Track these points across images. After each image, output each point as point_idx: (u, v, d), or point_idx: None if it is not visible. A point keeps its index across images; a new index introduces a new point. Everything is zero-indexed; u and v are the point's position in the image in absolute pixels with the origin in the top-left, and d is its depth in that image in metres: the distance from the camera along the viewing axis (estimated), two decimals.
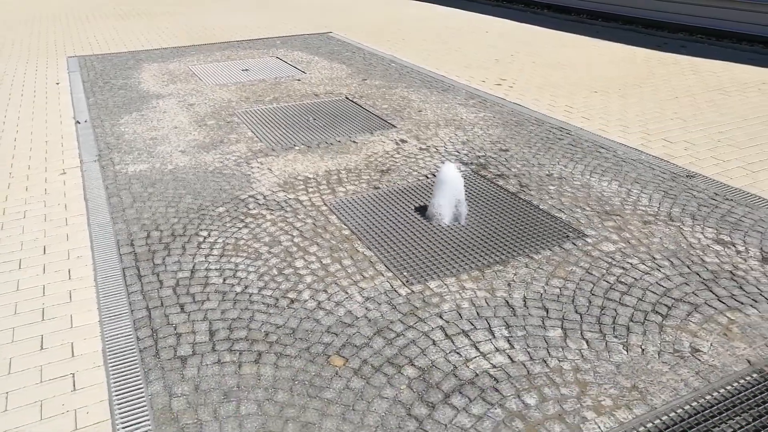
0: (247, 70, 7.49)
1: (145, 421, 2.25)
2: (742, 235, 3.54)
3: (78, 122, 5.59)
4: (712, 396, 2.35)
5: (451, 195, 3.59)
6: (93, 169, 4.56)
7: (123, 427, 2.22)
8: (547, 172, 4.41)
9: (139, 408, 2.31)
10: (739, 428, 2.19)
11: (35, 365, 2.56)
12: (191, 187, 4.22)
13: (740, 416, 2.24)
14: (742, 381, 2.42)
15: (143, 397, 2.37)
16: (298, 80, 6.99)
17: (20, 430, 2.22)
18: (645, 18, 9.76)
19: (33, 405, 2.35)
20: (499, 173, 4.41)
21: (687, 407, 2.29)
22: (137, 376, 2.47)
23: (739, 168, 4.47)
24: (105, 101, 6.23)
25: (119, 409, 2.31)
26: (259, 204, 3.96)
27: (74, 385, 2.44)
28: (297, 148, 4.93)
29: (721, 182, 4.24)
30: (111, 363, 2.55)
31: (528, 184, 4.23)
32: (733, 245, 3.43)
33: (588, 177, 4.33)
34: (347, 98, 6.27)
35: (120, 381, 2.45)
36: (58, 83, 6.96)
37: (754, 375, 2.45)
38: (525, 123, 5.48)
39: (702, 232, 3.57)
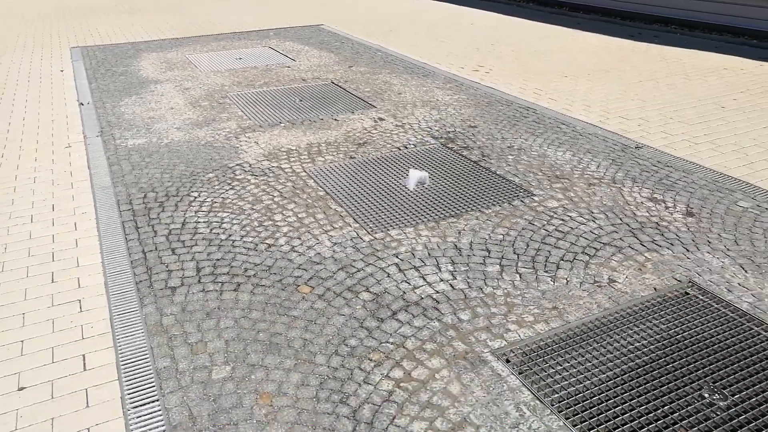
0: (240, 58, 7.92)
1: (139, 332, 2.69)
2: (674, 194, 3.97)
3: (81, 104, 6.03)
4: (619, 313, 2.78)
5: (415, 170, 4.02)
6: (95, 143, 5.00)
7: (121, 337, 2.66)
8: (509, 145, 4.84)
9: (134, 324, 2.75)
10: (636, 334, 2.62)
11: (47, 293, 3.00)
12: (184, 157, 4.66)
13: (638, 326, 2.68)
14: (645, 302, 2.85)
15: (138, 316, 2.81)
16: (288, 67, 7.42)
17: (35, 340, 2.66)
18: (622, 10, 10.18)
19: (46, 322, 2.79)
20: (465, 146, 4.84)
21: (596, 322, 2.73)
22: (133, 301, 2.91)
23: (684, 141, 4.90)
24: (106, 86, 6.67)
25: (118, 324, 2.75)
26: (245, 171, 4.40)
27: (80, 307, 2.89)
28: (282, 124, 5.37)
29: (666, 152, 4.66)
30: (112, 292, 2.99)
31: (489, 154, 4.66)
32: (664, 202, 3.86)
33: (545, 148, 4.76)
34: (333, 83, 6.71)
35: (119, 305, 2.89)
36: (62, 71, 7.40)
37: (657, 298, 2.89)
38: (495, 104, 5.91)
39: (639, 192, 4.00)
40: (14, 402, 2.33)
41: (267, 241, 3.44)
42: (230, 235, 3.51)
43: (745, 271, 3.11)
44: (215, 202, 3.91)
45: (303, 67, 7.40)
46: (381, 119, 5.50)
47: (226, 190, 4.08)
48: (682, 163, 4.46)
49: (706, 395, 2.28)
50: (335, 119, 5.51)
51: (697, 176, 4.24)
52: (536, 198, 3.92)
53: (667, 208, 3.79)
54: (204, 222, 3.67)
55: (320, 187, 4.11)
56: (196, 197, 3.99)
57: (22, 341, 2.66)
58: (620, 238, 3.43)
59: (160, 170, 4.43)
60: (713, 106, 5.74)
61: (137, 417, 2.23)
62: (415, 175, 4.04)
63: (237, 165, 4.50)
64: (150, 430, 2.17)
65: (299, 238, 3.47)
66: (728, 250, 3.31)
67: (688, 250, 3.31)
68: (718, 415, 2.20)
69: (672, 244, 3.37)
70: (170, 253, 3.34)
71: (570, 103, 5.89)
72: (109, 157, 4.68)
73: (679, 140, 4.91)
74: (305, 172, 4.36)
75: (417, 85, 6.57)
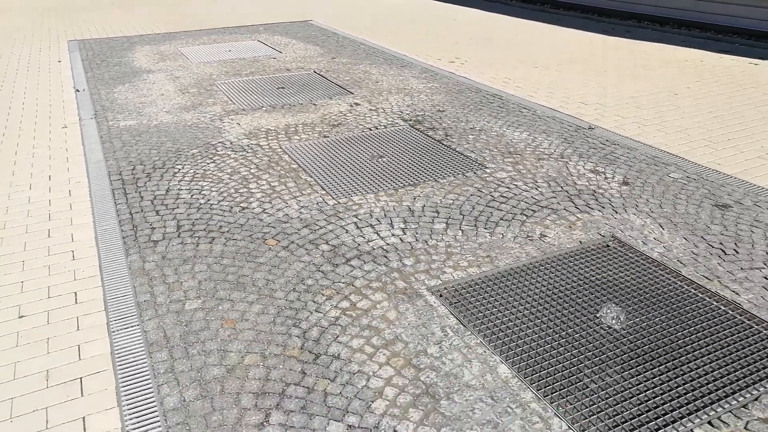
0: (230, 50, 8.32)
1: (124, 275, 3.09)
2: (614, 167, 4.38)
3: (77, 90, 6.43)
4: (544, 260, 3.19)
5: None
6: (90, 124, 5.40)
7: (108, 278, 3.06)
8: (471, 126, 5.25)
9: (120, 269, 3.15)
10: (555, 276, 3.03)
11: (44, 246, 3.40)
12: (171, 136, 5.06)
13: (559, 270, 3.08)
14: (569, 252, 3.25)
15: (124, 263, 3.21)
16: (274, 58, 7.82)
17: (33, 281, 3.06)
18: (599, 7, 10.59)
19: (43, 267, 3.18)
20: (431, 127, 5.24)
21: (523, 267, 3.13)
22: (120, 252, 3.31)
23: (634, 123, 5.30)
24: (101, 75, 7.07)
25: (106, 269, 3.15)
26: (226, 147, 4.80)
27: (73, 257, 3.28)
28: (264, 108, 5.78)
29: (616, 132, 5.07)
30: (101, 244, 3.39)
31: (452, 134, 5.06)
32: (604, 174, 4.27)
33: (504, 129, 5.16)
34: (315, 72, 7.11)
35: (107, 254, 3.29)
36: (59, 61, 7.79)
37: (581, 249, 3.29)
38: (465, 91, 6.31)
39: (583, 166, 4.41)
40: (15, 326, 2.72)
41: (241, 205, 3.84)
42: (209, 200, 3.91)
43: (662, 228, 3.51)
44: (197, 173, 4.31)
45: (288, 59, 7.80)
46: (357, 104, 5.90)
47: (208, 164, 4.48)
48: (628, 141, 4.86)
49: (606, 322, 2.68)
50: (314, 104, 5.91)
51: (639, 152, 4.64)
52: (488, 170, 4.33)
53: (605, 178, 4.20)
54: (186, 189, 4.07)
55: (293, 161, 4.51)
56: (180, 169, 4.39)
57: (22, 282, 3.06)
58: (557, 203, 3.84)
59: (149, 147, 4.82)
60: (667, 93, 6.14)
61: (120, 338, 2.63)
62: None
63: (219, 143, 4.90)
64: (130, 347, 2.57)
65: (270, 203, 3.87)
66: (652, 212, 3.72)
67: (616, 212, 3.71)
68: (613, 336, 2.60)
69: (603, 207, 3.77)
70: (154, 214, 3.74)
71: (535, 90, 6.29)
72: (102, 136, 5.08)
73: (630, 122, 5.31)
74: (281, 148, 4.77)
75: (394, 75, 6.97)
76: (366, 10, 11.59)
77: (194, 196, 3.96)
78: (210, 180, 4.20)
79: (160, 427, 2.16)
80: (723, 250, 3.28)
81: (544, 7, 11.57)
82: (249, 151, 4.72)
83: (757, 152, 4.60)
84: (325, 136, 5.03)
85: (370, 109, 5.73)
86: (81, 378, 2.41)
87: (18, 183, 4.21)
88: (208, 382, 2.37)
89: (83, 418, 2.22)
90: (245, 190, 4.05)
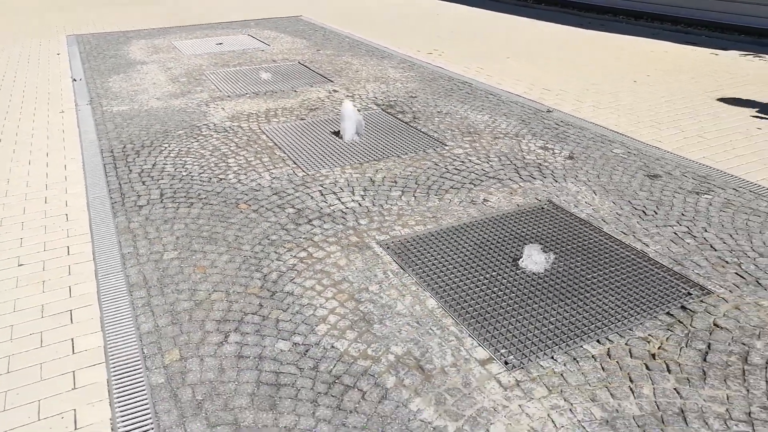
0: (220, 44, 8.74)
1: (111, 233, 3.51)
2: (563, 144, 4.78)
3: (74, 80, 6.85)
4: (483, 220, 3.60)
5: (351, 122, 4.83)
6: (85, 109, 5.82)
7: (97, 236, 3.48)
8: (439, 110, 5.66)
9: (108, 228, 3.57)
10: (490, 232, 3.43)
11: (41, 209, 3.81)
12: (160, 119, 5.47)
13: (495, 228, 3.49)
14: (507, 214, 3.66)
15: (111, 223, 3.62)
16: (262, 51, 8.23)
17: (31, 238, 3.47)
18: (579, 2, 10.98)
19: (40, 227, 3.60)
20: (401, 110, 5.65)
21: (463, 225, 3.54)
22: (108, 214, 3.73)
23: (591, 107, 5.70)
24: (98, 66, 7.48)
25: (95, 228, 3.56)
26: (210, 129, 5.21)
27: (67, 219, 3.70)
28: (247, 95, 6.19)
29: (572, 115, 5.47)
30: (92, 208, 3.81)
31: (420, 117, 5.47)
32: (552, 150, 4.67)
33: (468, 113, 5.57)
34: (299, 63, 7.52)
35: (97, 216, 3.70)
36: (58, 54, 8.22)
37: (518, 211, 3.70)
38: (438, 79, 6.72)
39: (534, 143, 4.81)
40: (15, 272, 3.14)
41: (219, 176, 4.25)
42: (190, 173, 4.32)
43: (595, 194, 3.92)
44: (181, 151, 4.73)
45: (275, 51, 8.22)
46: (335, 91, 6.31)
47: (192, 143, 4.90)
48: (581, 122, 5.27)
49: (530, 268, 3.09)
50: (295, 91, 6.32)
51: (589, 132, 5.05)
52: (447, 147, 4.74)
53: (553, 154, 4.61)
54: (171, 164, 4.48)
55: (270, 139, 4.93)
56: (166, 147, 4.81)
57: (21, 238, 3.48)
58: (504, 174, 4.25)
59: (139, 129, 5.24)
60: (628, 80, 6.54)
61: (105, 281, 3.04)
62: (350, 124, 4.84)
63: (203, 125, 5.31)
64: (114, 287, 2.99)
65: (245, 174, 4.28)
66: (588, 181, 4.12)
67: (556, 181, 4.12)
68: (533, 279, 3.01)
69: (545, 177, 4.18)
70: (141, 184, 4.16)
71: (503, 78, 6.70)
72: (96, 120, 5.50)
73: (587, 106, 5.71)
74: (260, 129, 5.18)
75: (374, 65, 7.38)
76: (355, 7, 11.99)
77: (177, 170, 4.38)
78: (193, 156, 4.62)
79: (136, 345, 2.58)
80: (644, 212, 3.69)
81: (527, 2, 11.97)
82: (230, 132, 5.13)
83: (696, 132, 5.00)
84: (301, 119, 5.44)
85: (347, 96, 6.13)
86: (71, 310, 2.83)
87: (18, 158, 4.63)
88: (179, 313, 2.79)
89: (72, 339, 2.64)
90: (224, 164, 4.46)
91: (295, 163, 4.45)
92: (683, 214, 3.65)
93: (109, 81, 6.80)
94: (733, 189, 3.97)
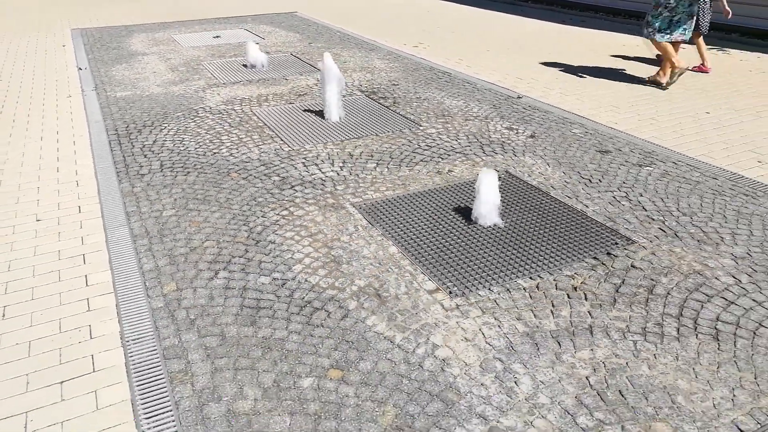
0: (218, 37, 9.21)
1: (117, 196, 3.97)
2: (527, 125, 5.25)
3: (80, 68, 7.32)
4: (445, 187, 4.06)
5: (333, 93, 5.30)
6: (91, 95, 6.29)
7: (104, 198, 3.95)
8: (418, 96, 6.13)
9: (114, 192, 4.03)
10: (451, 197, 3.91)
11: (54, 178, 4.28)
12: (160, 103, 5.94)
13: (455, 193, 3.96)
14: (467, 182, 4.13)
15: (117, 188, 4.09)
16: (257, 44, 8.69)
17: (46, 199, 3.94)
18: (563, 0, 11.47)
19: (54, 191, 4.07)
20: (383, 96, 6.12)
21: (427, 190, 4.01)
22: (114, 181, 4.19)
23: (559, 93, 6.17)
24: (101, 57, 7.95)
25: (103, 192, 4.03)
26: (206, 111, 5.68)
27: (77, 184, 4.17)
28: (241, 82, 6.66)
29: (540, 101, 5.94)
30: (99, 175, 4.27)
31: (400, 102, 5.94)
32: (516, 130, 5.14)
33: (445, 98, 6.04)
34: (292, 54, 7.99)
35: (104, 182, 4.17)
36: (64, 46, 8.68)
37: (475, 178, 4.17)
38: (420, 69, 7.19)
39: (501, 125, 5.28)
40: (34, 226, 3.61)
41: (213, 150, 4.72)
42: (187, 148, 4.79)
43: (548, 166, 4.39)
44: (179, 129, 5.19)
45: (270, 44, 8.68)
46: None
47: (189, 123, 5.36)
48: (547, 107, 5.74)
49: (482, 223, 3.55)
50: (286, 79, 6.80)
51: (553, 115, 5.52)
52: (421, 127, 5.21)
53: (517, 133, 5.08)
54: (170, 141, 4.95)
55: (260, 120, 5.40)
56: (165, 127, 5.27)
57: (37, 200, 3.95)
58: (470, 150, 4.72)
59: (140, 111, 5.71)
60: (597, 70, 7.02)
61: (113, 233, 3.51)
62: (336, 108, 5.30)
63: (200, 108, 5.78)
64: (120, 237, 3.45)
65: (237, 149, 4.75)
66: (545, 155, 4.59)
67: (515, 156, 4.59)
68: (484, 232, 3.47)
69: (506, 152, 4.65)
70: (143, 157, 4.63)
71: (481, 69, 7.17)
72: (101, 103, 5.96)
73: (555, 93, 6.19)
74: (252, 112, 5.65)
75: (361, 56, 7.85)
76: (350, 4, 12.46)
77: (176, 145, 4.85)
78: (190, 134, 5.08)
79: (139, 280, 3.04)
80: (590, 180, 4.16)
81: (515, 0, 12.44)
82: (225, 114, 5.60)
83: (651, 116, 5.48)
84: (290, 103, 5.91)
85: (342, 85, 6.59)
86: (83, 254, 3.30)
87: (31, 136, 5.10)
88: (176, 256, 3.26)
89: (85, 276, 3.11)
90: (218, 140, 4.93)
91: (282, 140, 4.92)
92: (624, 182, 4.13)
93: (112, 70, 7.26)
94: (673, 162, 4.44)
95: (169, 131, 5.16)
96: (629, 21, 9.98)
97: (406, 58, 7.77)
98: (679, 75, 6.11)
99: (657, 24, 6.07)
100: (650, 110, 5.61)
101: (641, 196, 3.93)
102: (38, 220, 3.68)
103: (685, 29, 6.08)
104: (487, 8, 11.66)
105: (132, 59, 7.79)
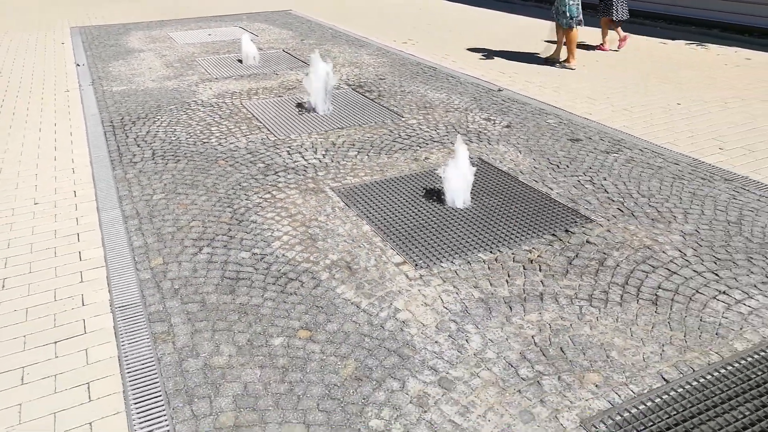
0: (212, 34, 9.45)
1: (110, 181, 4.22)
2: (504, 116, 5.48)
3: (78, 65, 7.56)
4: (421, 173, 4.30)
5: (319, 90, 5.54)
6: (88, 89, 6.53)
7: (99, 182, 4.19)
8: (403, 89, 6.36)
9: (107, 178, 4.28)
10: (425, 181, 4.14)
11: (51, 165, 4.52)
12: (155, 97, 6.19)
13: (429, 178, 4.19)
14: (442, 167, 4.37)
15: (110, 174, 4.33)
16: (251, 41, 8.92)
17: (44, 184, 4.19)
18: None
19: (51, 178, 4.31)
20: (369, 90, 6.36)
21: (403, 176, 4.24)
22: (108, 168, 4.44)
23: (538, 87, 6.41)
24: (99, 53, 8.20)
25: (97, 178, 4.28)
26: (198, 104, 5.92)
27: (73, 171, 4.41)
28: (233, 77, 6.91)
29: (519, 93, 6.17)
30: (94, 163, 4.52)
31: (385, 95, 6.18)
32: (494, 121, 5.38)
33: (428, 91, 6.28)
34: (283, 51, 8.23)
35: (98, 169, 4.41)
36: (63, 43, 8.93)
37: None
38: (407, 64, 7.42)
39: (479, 116, 5.52)
40: (32, 208, 3.85)
41: (203, 140, 4.97)
42: (179, 138, 5.03)
43: (520, 153, 4.62)
44: (172, 121, 5.44)
45: (263, 40, 8.93)
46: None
47: (181, 115, 5.61)
48: (525, 99, 5.97)
49: (453, 205, 3.78)
50: (276, 74, 7.04)
51: (530, 106, 5.75)
52: (402, 118, 5.44)
53: (493, 124, 5.31)
54: (162, 131, 5.19)
55: (249, 112, 5.64)
56: (159, 119, 5.52)
57: (35, 185, 4.19)
58: (448, 139, 4.95)
59: (135, 104, 5.95)
60: (578, 65, 7.24)
61: (105, 214, 3.75)
62: (321, 102, 5.54)
63: (192, 101, 6.02)
64: (112, 218, 3.70)
65: (226, 139, 4.99)
66: (517, 144, 4.83)
67: (490, 144, 4.83)
68: (454, 213, 3.71)
69: (481, 141, 4.89)
70: (136, 146, 4.87)
71: (466, 63, 7.40)
72: (97, 97, 6.21)
73: (534, 86, 6.42)
74: (242, 104, 5.89)
75: (351, 52, 8.08)
76: (344, 2, 12.69)
77: (168, 136, 5.09)
78: (182, 126, 5.33)
79: (129, 255, 3.29)
80: (558, 166, 4.40)
81: None
82: (215, 106, 5.85)
83: (624, 107, 5.71)
84: (279, 96, 6.15)
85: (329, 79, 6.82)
86: (78, 233, 3.54)
87: (30, 127, 5.35)
88: (164, 234, 3.50)
89: (79, 252, 3.35)
90: (208, 131, 5.18)
91: (269, 131, 5.16)
92: (590, 168, 4.36)
93: (109, 66, 7.51)
94: (639, 149, 4.68)
95: (161, 123, 5.40)
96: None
97: (395, 53, 8.00)
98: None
99: (575, 12, 6.87)
100: (623, 101, 5.84)
101: (605, 180, 4.16)
102: (36, 204, 3.92)
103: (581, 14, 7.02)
104: (475, 5, 11.88)
105: (129, 56, 8.03)
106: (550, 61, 7.37)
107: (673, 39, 8.56)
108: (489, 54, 7.88)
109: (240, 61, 7.58)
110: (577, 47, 7.32)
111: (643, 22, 9.69)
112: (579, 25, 6.95)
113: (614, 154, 4.58)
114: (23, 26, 10.34)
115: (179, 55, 8.04)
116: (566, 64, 7.18)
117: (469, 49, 8.17)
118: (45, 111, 5.81)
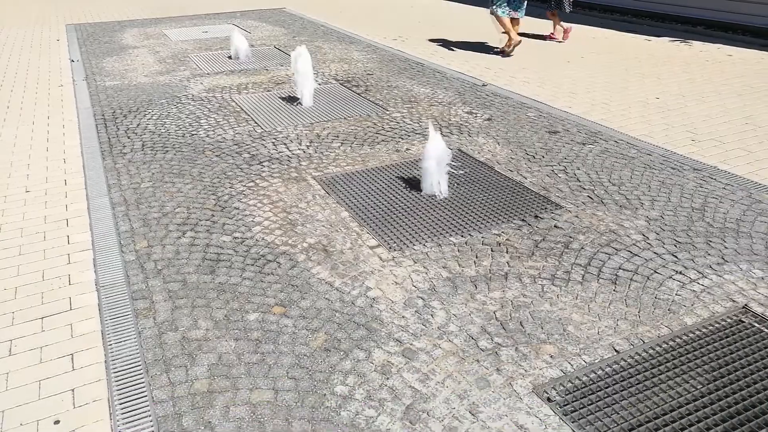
0: (206, 31, 9.58)
1: (100, 170, 4.36)
2: (486, 110, 5.63)
3: (72, 61, 7.70)
4: (402, 163, 4.44)
5: (304, 82, 5.68)
6: (81, 84, 6.67)
7: (89, 171, 4.33)
8: (389, 84, 6.50)
9: (98, 167, 4.42)
10: (406, 171, 4.28)
11: (43, 156, 4.66)
12: (146, 91, 6.33)
13: (410, 168, 4.33)
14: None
15: (101, 164, 4.47)
16: (243, 37, 9.06)
17: (36, 173, 4.32)
18: None
19: (43, 167, 4.45)
20: (356, 85, 6.50)
21: (384, 166, 4.38)
22: (98, 158, 4.58)
23: (523, 81, 6.55)
24: (93, 50, 8.33)
25: (88, 167, 4.42)
26: (188, 98, 6.06)
27: (65, 162, 4.55)
28: (224, 72, 7.05)
29: (504, 88, 6.31)
30: (85, 154, 4.66)
31: (371, 89, 6.32)
32: (475, 114, 5.52)
33: (414, 86, 6.42)
34: (275, 47, 8.37)
35: (89, 159, 4.55)
36: (58, 40, 9.06)
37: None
38: (396, 60, 7.56)
39: (462, 109, 5.66)
40: (23, 196, 4.00)
41: (192, 132, 5.10)
42: (168, 130, 5.17)
43: (498, 144, 4.77)
44: (162, 115, 5.58)
45: (255, 37, 9.06)
46: None
47: (171, 109, 5.75)
48: (508, 93, 6.12)
49: (430, 193, 3.93)
50: (266, 69, 7.18)
51: (512, 100, 5.89)
52: (387, 111, 5.59)
53: (475, 117, 5.45)
54: (152, 124, 5.33)
55: (238, 105, 5.78)
56: (149, 112, 5.66)
57: (27, 174, 4.33)
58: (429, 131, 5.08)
59: (127, 98, 6.09)
60: (562, 61, 7.39)
61: (94, 200, 3.89)
62: (308, 95, 5.68)
63: (183, 95, 6.16)
64: (101, 205, 3.84)
65: (214, 131, 5.14)
66: (497, 136, 4.97)
67: (470, 136, 4.97)
68: (431, 201, 3.85)
69: (462, 133, 5.03)
70: (126, 138, 5.01)
71: (452, 60, 7.55)
72: (90, 92, 6.35)
73: (519, 81, 6.56)
74: (231, 98, 6.03)
75: (341, 49, 8.22)
76: (338, 0, 12.84)
77: (158, 128, 5.23)
78: (172, 119, 5.47)
79: (115, 239, 3.43)
80: (534, 156, 4.54)
81: None
82: (205, 100, 5.99)
83: (603, 100, 5.85)
84: (268, 91, 6.29)
85: (312, 73, 6.96)
86: (67, 219, 3.68)
87: (23, 120, 5.48)
88: (149, 220, 3.64)
89: (67, 236, 3.49)
90: (197, 124, 5.32)
91: (256, 123, 5.30)
92: (565, 158, 4.50)
93: (103, 62, 7.64)
94: (614, 141, 4.82)
95: (152, 116, 5.54)
96: (603, 15, 10.34)
97: (384, 50, 8.14)
98: (515, 46, 7.57)
99: (498, 1, 7.42)
100: (604, 96, 5.99)
101: (578, 170, 4.30)
102: (27, 191, 4.07)
103: (520, 9, 7.52)
104: (467, 3, 12.02)
105: (122, 52, 8.17)
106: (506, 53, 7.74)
107: (658, 36, 8.71)
108: (476, 49, 8.02)
109: (230, 57, 7.72)
110: (529, 37, 8.10)
111: (630, 20, 9.83)
112: (505, 14, 7.46)
113: (590, 146, 4.72)
114: (19, 23, 10.47)
115: (172, 52, 8.18)
116: (505, 49, 7.67)
117: (456, 46, 8.32)
118: (39, 105, 5.94)
